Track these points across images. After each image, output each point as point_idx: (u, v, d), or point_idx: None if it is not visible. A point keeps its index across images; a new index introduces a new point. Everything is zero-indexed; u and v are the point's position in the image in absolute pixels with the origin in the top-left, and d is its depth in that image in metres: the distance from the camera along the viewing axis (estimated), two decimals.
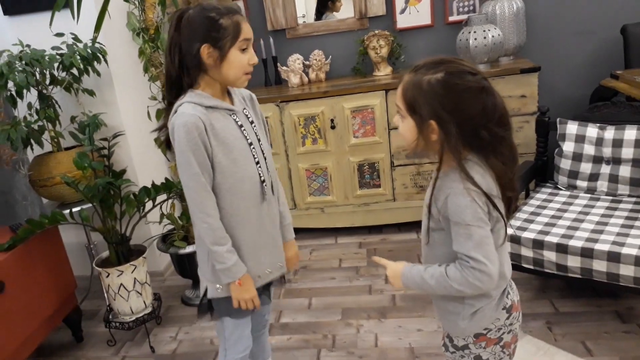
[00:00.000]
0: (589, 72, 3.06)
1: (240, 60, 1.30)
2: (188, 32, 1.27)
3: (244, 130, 1.37)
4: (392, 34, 3.06)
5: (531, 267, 2.05)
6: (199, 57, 1.27)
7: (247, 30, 1.30)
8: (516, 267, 2.08)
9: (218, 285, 1.41)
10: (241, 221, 1.38)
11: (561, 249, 1.93)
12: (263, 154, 1.43)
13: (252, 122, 1.42)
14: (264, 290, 1.52)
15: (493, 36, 2.71)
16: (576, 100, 3.07)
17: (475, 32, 2.72)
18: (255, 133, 1.42)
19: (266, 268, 1.48)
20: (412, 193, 3.00)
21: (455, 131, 1.03)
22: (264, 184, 1.41)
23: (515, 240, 2.05)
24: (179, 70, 1.30)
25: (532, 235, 2.02)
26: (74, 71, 2.33)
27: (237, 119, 1.37)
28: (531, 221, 2.15)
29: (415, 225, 3.08)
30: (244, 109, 1.43)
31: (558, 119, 2.45)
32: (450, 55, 1.11)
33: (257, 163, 1.39)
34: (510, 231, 2.07)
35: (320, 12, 3.35)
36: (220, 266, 1.35)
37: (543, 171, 2.59)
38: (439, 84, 1.03)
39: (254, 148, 1.39)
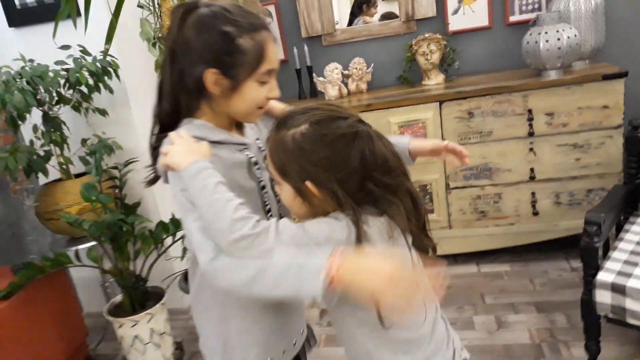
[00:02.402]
0: None
1: (257, 94, 0.97)
2: (192, 45, 0.93)
3: (258, 168, 1.05)
4: (444, 37, 2.67)
5: (639, 323, 1.62)
6: (201, 82, 0.94)
7: (272, 57, 0.96)
8: (620, 323, 1.67)
9: None
10: None
11: None
12: (275, 195, 1.08)
13: (266, 157, 1.09)
14: None
15: (569, 37, 2.29)
16: None
17: (547, 32, 2.31)
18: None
19: (294, 337, 1.17)
20: (472, 220, 2.59)
21: (338, 189, 0.86)
22: None
23: (618, 289, 1.62)
24: (178, 86, 0.97)
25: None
26: (83, 88, 2.03)
27: (250, 155, 1.05)
28: (635, 264, 1.72)
29: (475, 257, 2.66)
30: (257, 139, 1.09)
31: None
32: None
33: (269, 211, 1.07)
34: (610, 278, 1.65)
35: (353, 17, 3.01)
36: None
37: (635, 198, 2.15)
38: (304, 139, 0.87)
39: (266, 192, 1.06)
